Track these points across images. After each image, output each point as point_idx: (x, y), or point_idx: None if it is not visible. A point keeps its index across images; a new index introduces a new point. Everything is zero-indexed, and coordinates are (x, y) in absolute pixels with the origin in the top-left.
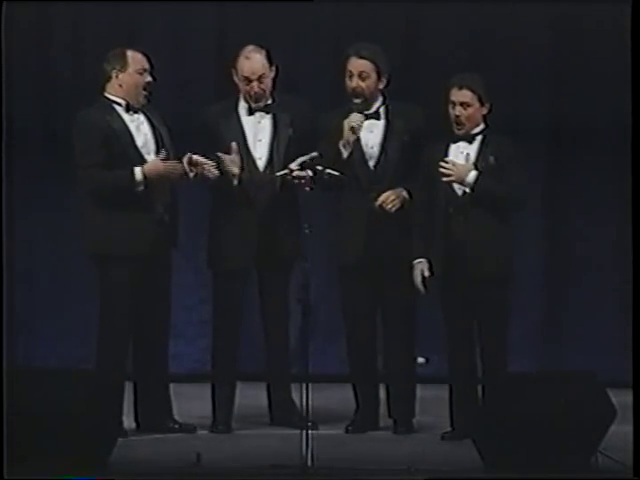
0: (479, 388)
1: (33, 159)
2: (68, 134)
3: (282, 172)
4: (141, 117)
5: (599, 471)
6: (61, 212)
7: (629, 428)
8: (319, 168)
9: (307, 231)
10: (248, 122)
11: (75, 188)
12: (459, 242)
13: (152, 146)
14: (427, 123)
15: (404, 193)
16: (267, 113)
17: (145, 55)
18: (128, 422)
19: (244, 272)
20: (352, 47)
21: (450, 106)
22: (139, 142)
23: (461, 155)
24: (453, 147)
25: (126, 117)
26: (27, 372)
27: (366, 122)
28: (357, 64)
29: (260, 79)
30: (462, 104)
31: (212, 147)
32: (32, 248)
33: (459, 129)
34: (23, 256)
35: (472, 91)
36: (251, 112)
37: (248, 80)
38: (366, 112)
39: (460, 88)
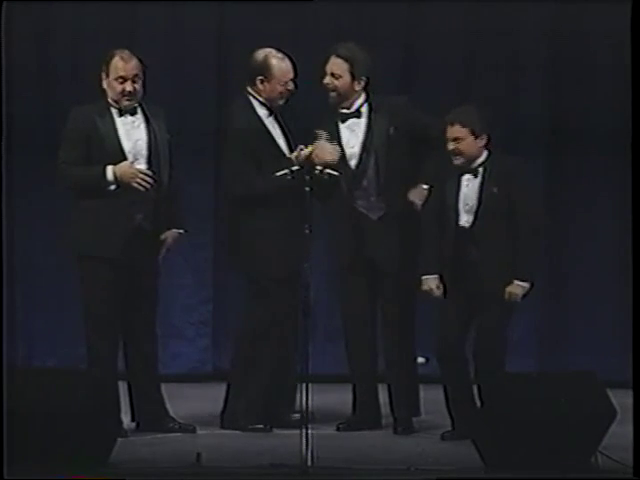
0: (474, 388)
1: (33, 159)
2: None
3: (282, 172)
4: (138, 121)
5: (599, 471)
6: (61, 212)
7: (629, 428)
8: (318, 168)
9: (307, 231)
10: (268, 123)
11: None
12: (466, 262)
13: (144, 152)
14: (411, 110)
15: (424, 188)
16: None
17: (139, 59)
18: (127, 422)
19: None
20: (334, 46)
21: (447, 141)
22: (126, 146)
23: (466, 188)
24: (464, 179)
25: (118, 120)
26: (27, 372)
27: (348, 121)
28: (332, 63)
29: (293, 79)
30: (455, 139)
31: (231, 142)
32: (32, 248)
33: (456, 160)
34: (23, 256)
35: (463, 125)
36: (271, 112)
37: (284, 82)
38: (346, 110)
39: (452, 124)
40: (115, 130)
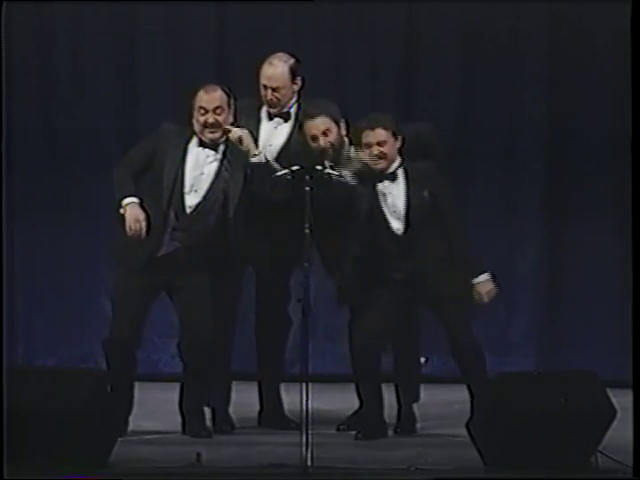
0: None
1: (33, 159)
2: (68, 134)
3: (282, 172)
4: (213, 157)
5: (599, 471)
6: (61, 212)
7: (629, 428)
8: (319, 168)
9: (307, 231)
10: (266, 126)
11: (74, 188)
12: (402, 269)
13: (204, 186)
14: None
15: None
16: (286, 121)
17: (225, 92)
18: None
19: None
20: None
21: (364, 148)
22: (188, 176)
23: (390, 195)
24: (380, 187)
25: (194, 149)
26: (27, 372)
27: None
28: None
29: (276, 88)
30: (379, 143)
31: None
32: (32, 248)
33: (379, 164)
34: (23, 256)
35: (385, 129)
36: (271, 117)
37: (265, 86)
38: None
39: (373, 129)
40: (184, 156)
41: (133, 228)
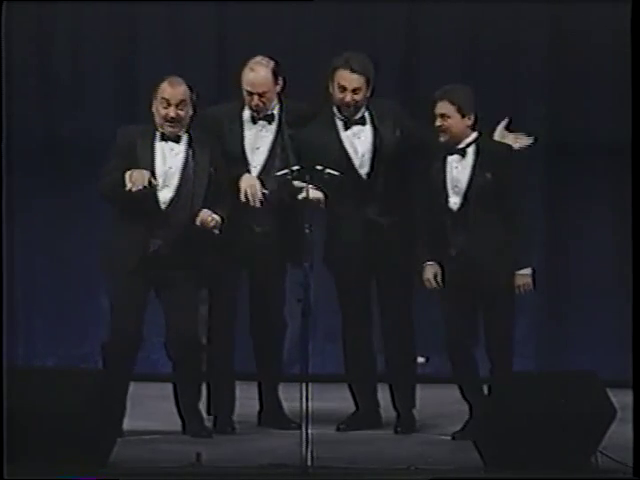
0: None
1: (33, 159)
2: (68, 134)
3: (282, 172)
4: (178, 149)
5: (599, 471)
6: (61, 212)
7: (629, 428)
8: (319, 168)
9: (307, 231)
10: (250, 129)
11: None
12: (454, 246)
13: (174, 180)
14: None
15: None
16: (270, 123)
17: (189, 87)
18: (129, 422)
19: None
20: (341, 58)
21: (435, 117)
22: (159, 171)
23: (455, 170)
24: (449, 159)
25: (158, 144)
26: (27, 372)
27: (354, 128)
28: (350, 78)
29: (262, 93)
30: (442, 115)
31: (214, 143)
32: (32, 248)
33: (441, 137)
34: (23, 256)
35: (451, 103)
36: (254, 120)
37: (249, 92)
38: (355, 117)
39: (441, 100)
40: (152, 154)
41: (146, 180)
